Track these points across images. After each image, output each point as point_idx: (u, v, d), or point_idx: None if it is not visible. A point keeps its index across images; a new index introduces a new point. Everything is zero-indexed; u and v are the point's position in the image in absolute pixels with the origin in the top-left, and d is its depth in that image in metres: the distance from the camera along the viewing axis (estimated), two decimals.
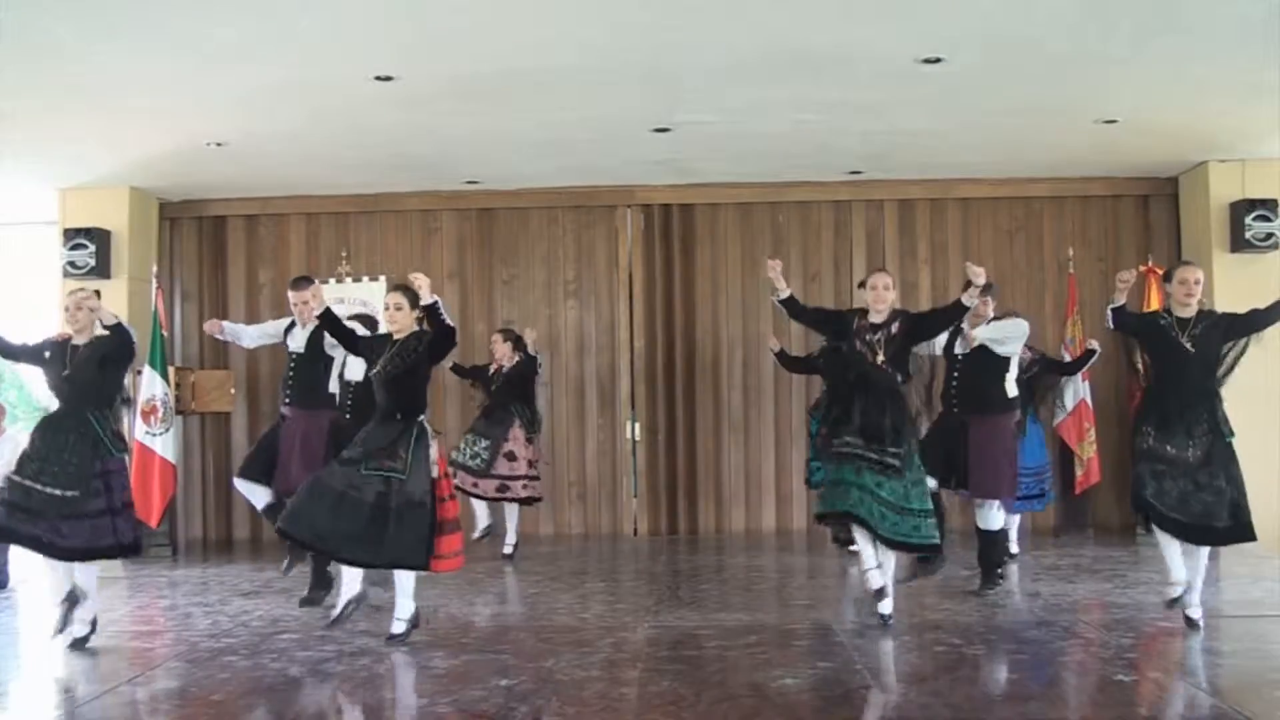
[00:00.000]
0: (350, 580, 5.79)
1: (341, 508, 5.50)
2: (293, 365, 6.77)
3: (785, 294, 6.12)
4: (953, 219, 10.30)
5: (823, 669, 5.08)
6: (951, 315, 6.14)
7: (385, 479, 5.53)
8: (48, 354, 5.83)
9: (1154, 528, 5.76)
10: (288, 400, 6.74)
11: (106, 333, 5.85)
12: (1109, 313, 5.92)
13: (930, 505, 5.89)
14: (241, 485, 6.86)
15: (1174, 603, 5.73)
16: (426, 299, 5.65)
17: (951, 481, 6.67)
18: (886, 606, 5.86)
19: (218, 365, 10.08)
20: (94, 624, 5.80)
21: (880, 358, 5.87)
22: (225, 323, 7.24)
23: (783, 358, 8.45)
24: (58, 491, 5.56)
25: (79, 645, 5.67)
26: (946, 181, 10.12)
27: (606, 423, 10.34)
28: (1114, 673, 4.98)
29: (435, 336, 5.74)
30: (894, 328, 5.91)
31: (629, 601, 6.98)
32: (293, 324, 6.84)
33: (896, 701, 4.61)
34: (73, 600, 5.71)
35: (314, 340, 6.58)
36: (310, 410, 6.65)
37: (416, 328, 5.80)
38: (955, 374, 6.73)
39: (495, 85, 7.20)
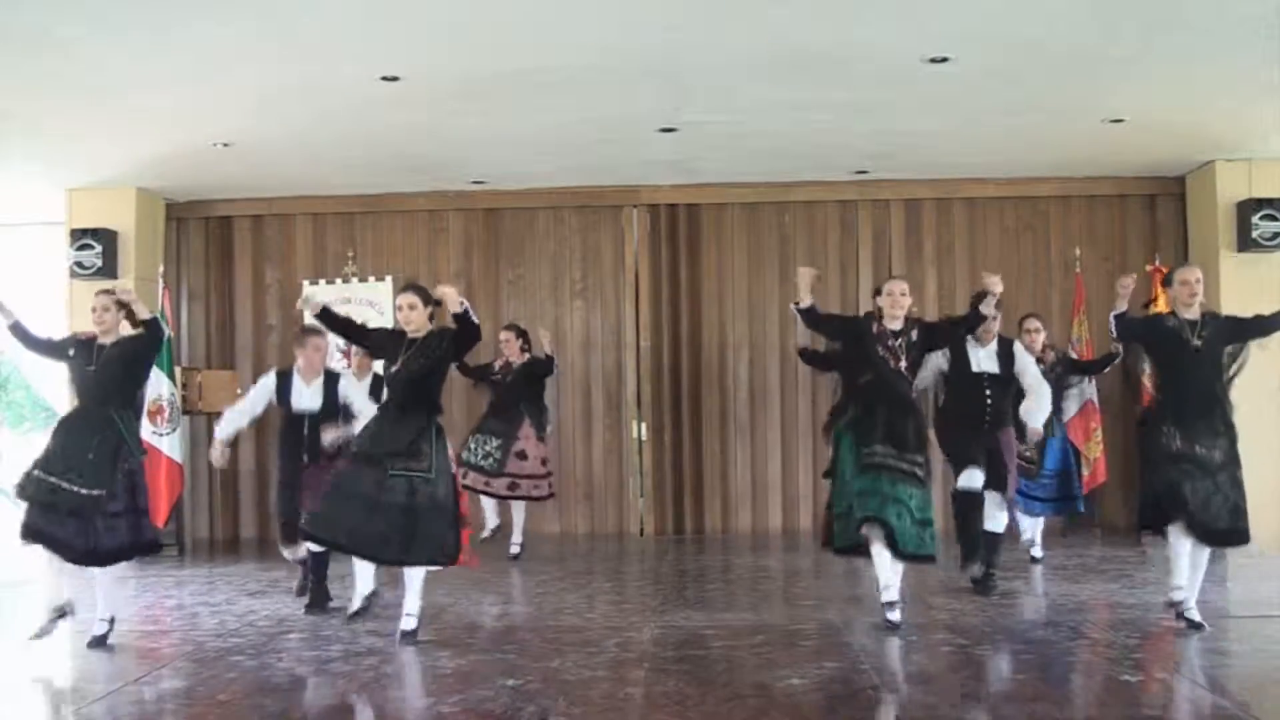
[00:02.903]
0: (364, 578, 5.80)
1: (373, 510, 5.51)
2: (307, 425, 6.36)
3: (807, 303, 6.02)
4: (959, 218, 10.29)
5: (829, 669, 5.08)
6: (969, 325, 6.24)
7: (409, 479, 5.58)
8: (72, 351, 5.84)
9: (1170, 531, 5.64)
10: (307, 460, 6.33)
11: (134, 332, 5.87)
12: (1112, 319, 5.91)
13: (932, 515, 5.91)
14: (303, 548, 6.37)
15: (1175, 605, 5.70)
16: (456, 308, 5.64)
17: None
18: (896, 615, 5.81)
19: (224, 365, 10.09)
20: (112, 622, 5.79)
21: (902, 364, 5.92)
22: (224, 436, 6.48)
23: (805, 354, 8.20)
24: (83, 490, 5.57)
25: (98, 644, 5.68)
26: (953, 181, 10.10)
27: (613, 423, 10.33)
28: (1120, 673, 4.98)
29: (460, 333, 5.75)
30: (914, 335, 5.97)
31: (635, 601, 6.99)
32: (286, 380, 6.49)
33: (903, 701, 4.61)
34: (63, 613, 5.73)
35: (328, 393, 6.41)
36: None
37: (430, 325, 5.82)
38: (989, 393, 6.67)
39: (501, 85, 7.21)
